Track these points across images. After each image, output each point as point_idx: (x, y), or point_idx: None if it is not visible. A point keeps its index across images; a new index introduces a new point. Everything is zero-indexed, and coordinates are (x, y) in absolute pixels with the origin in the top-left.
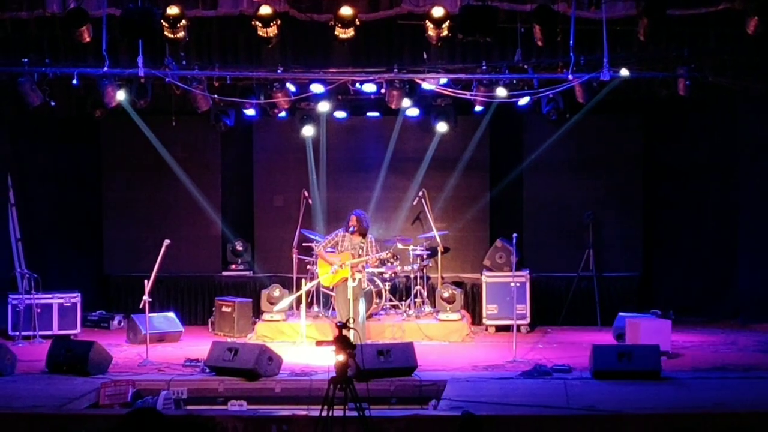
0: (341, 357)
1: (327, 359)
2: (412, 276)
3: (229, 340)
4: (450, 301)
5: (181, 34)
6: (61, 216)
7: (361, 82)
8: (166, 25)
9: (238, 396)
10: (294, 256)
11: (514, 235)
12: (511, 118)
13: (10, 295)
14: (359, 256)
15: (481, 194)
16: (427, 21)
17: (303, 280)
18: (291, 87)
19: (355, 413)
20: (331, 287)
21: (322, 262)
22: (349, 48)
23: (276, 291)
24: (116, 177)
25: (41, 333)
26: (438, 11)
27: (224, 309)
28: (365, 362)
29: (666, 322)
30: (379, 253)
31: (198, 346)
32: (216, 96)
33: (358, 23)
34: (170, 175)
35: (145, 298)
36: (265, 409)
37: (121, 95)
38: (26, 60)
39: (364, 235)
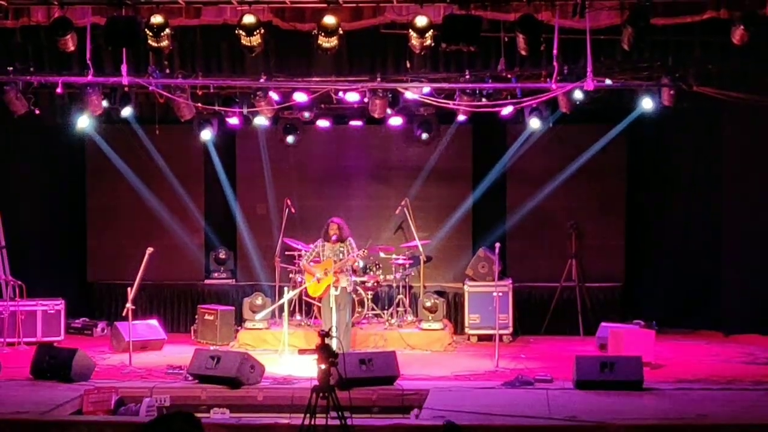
0: (323, 366)
1: (309, 368)
2: (394, 285)
3: (211, 348)
4: (432, 310)
5: (164, 43)
6: (45, 223)
7: (344, 91)
8: (150, 33)
9: (220, 404)
10: (277, 264)
11: (497, 244)
12: (494, 127)
13: None
14: (341, 260)
15: (463, 203)
16: (410, 30)
17: (285, 289)
18: (274, 96)
19: (337, 422)
20: (317, 298)
21: (307, 275)
22: (333, 57)
23: (258, 299)
24: (100, 185)
25: (25, 340)
26: (421, 20)
27: (207, 317)
28: (347, 371)
29: (649, 332)
30: (357, 252)
31: (181, 353)
32: (199, 104)
33: (341, 32)
34: (153, 183)
35: (129, 305)
36: (248, 417)
37: (105, 104)
38: (11, 68)
39: (343, 241)
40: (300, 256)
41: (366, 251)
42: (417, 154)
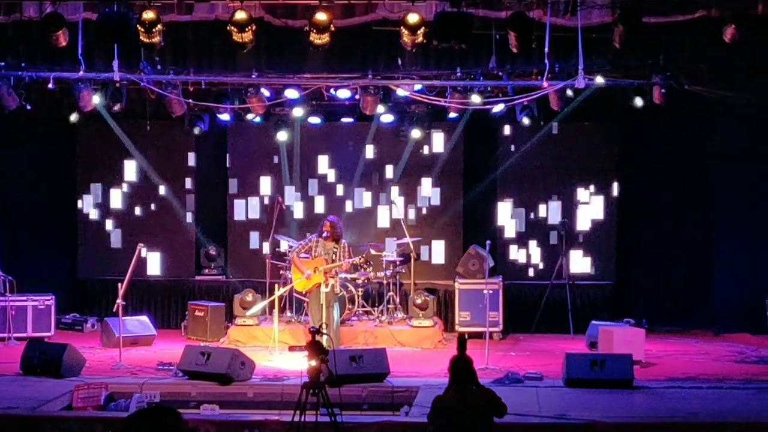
0: (314, 362)
1: (299, 364)
2: (384, 282)
3: (202, 344)
4: (423, 307)
5: (156, 39)
6: (36, 218)
7: (336, 88)
8: (142, 29)
9: (210, 400)
10: (267, 261)
11: (488, 242)
12: (485, 125)
13: None
14: (333, 261)
15: (454, 201)
16: (402, 27)
17: (276, 285)
18: (265, 92)
19: (327, 419)
20: (304, 293)
21: (295, 268)
22: (324, 54)
23: (249, 296)
24: (90, 180)
25: (15, 335)
26: (413, 17)
27: (197, 313)
28: (338, 368)
29: (639, 330)
30: (352, 258)
31: (171, 350)
32: (191, 101)
33: (332, 29)
34: (144, 179)
35: (119, 301)
36: (238, 413)
37: (96, 99)
38: (2, 64)
39: (337, 241)
40: (290, 250)
41: (361, 259)
42: (408, 151)
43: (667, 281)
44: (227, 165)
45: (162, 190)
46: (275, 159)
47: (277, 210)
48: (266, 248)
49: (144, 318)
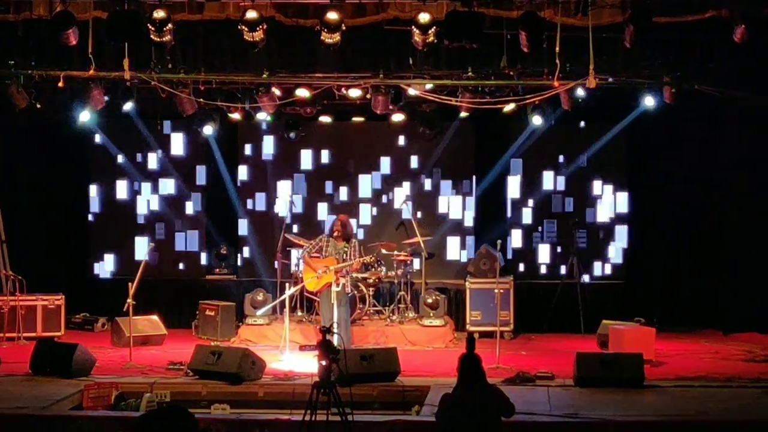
0: (324, 362)
1: (310, 364)
2: (395, 281)
3: (212, 343)
4: (434, 306)
5: (167, 38)
6: (46, 218)
7: (347, 88)
8: (153, 28)
9: (221, 399)
10: (278, 260)
11: (498, 241)
12: (496, 124)
13: None
14: (343, 260)
15: (465, 200)
16: (413, 26)
17: (287, 285)
18: (277, 91)
19: (338, 418)
20: (315, 292)
21: (307, 268)
22: (335, 53)
23: (260, 295)
24: (101, 179)
25: (25, 335)
26: (424, 17)
27: (208, 312)
28: (348, 367)
29: (650, 330)
30: (363, 257)
31: (181, 349)
32: (201, 100)
33: (344, 28)
34: (155, 178)
35: (129, 300)
36: (248, 413)
37: (106, 98)
38: (12, 62)
39: (348, 240)
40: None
41: (372, 258)
42: (419, 150)
43: (677, 281)
44: (238, 164)
45: (172, 189)
46: (286, 158)
47: (288, 209)
48: (277, 248)
49: (154, 317)
